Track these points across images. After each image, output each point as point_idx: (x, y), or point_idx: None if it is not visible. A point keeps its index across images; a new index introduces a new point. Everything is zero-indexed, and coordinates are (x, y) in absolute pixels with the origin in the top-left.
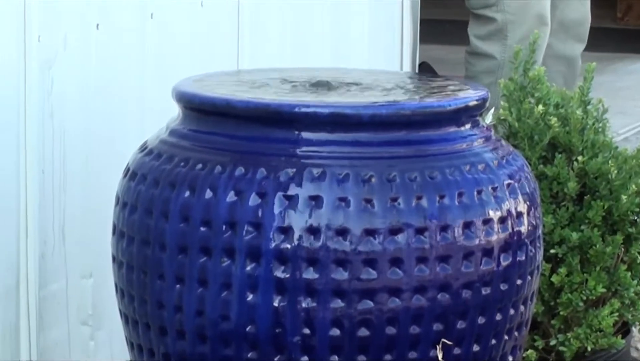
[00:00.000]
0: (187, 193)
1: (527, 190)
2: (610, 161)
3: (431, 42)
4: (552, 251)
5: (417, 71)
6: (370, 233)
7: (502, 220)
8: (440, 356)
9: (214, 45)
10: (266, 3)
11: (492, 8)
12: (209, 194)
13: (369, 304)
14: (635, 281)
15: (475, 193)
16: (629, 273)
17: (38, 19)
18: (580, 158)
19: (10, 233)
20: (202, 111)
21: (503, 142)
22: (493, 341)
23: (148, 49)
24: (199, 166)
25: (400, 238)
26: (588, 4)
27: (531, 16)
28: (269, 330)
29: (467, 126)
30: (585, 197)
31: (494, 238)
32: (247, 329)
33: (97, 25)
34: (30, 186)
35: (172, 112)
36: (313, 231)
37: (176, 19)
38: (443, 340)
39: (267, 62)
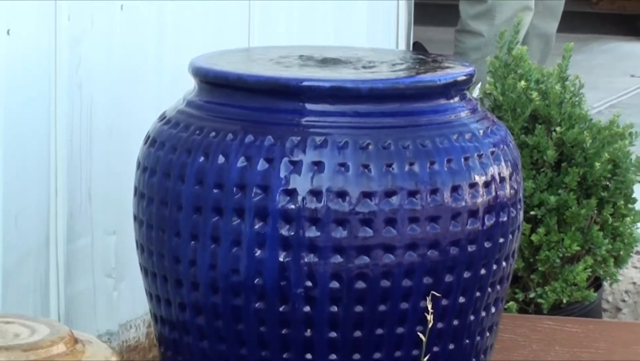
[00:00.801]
0: (202, 159)
1: (510, 157)
2: (585, 132)
3: (423, 24)
4: (532, 212)
5: (411, 49)
6: (367, 195)
7: (487, 184)
8: (429, 306)
9: (227, 24)
10: None
11: None
12: (221, 159)
13: (366, 259)
14: (606, 240)
15: (462, 160)
16: (601, 233)
17: (67, 1)
18: (558, 129)
19: (41, 194)
20: (215, 84)
21: (488, 114)
22: (477, 294)
23: (166, 28)
24: (213, 134)
25: (394, 200)
26: None
27: (518, 1)
28: (275, 282)
29: (456, 99)
30: (562, 164)
31: (479, 200)
32: (255, 281)
33: (122, 6)
34: (60, 151)
35: (187, 85)
36: (315, 193)
37: (192, 0)
38: (432, 292)
39: (275, 40)
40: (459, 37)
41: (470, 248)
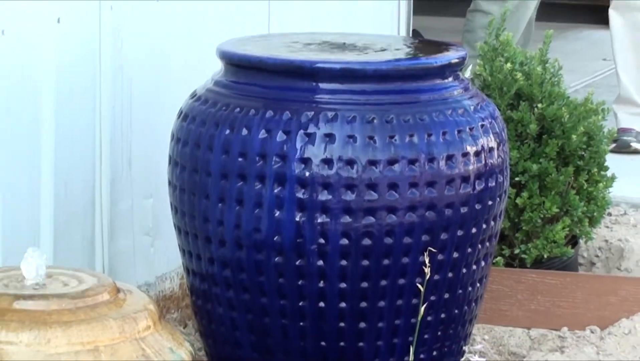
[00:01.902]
0: (228, 131)
1: (497, 130)
2: (563, 108)
3: (421, 13)
4: (516, 178)
5: (410, 35)
6: (372, 163)
7: (477, 154)
8: (427, 261)
9: (248, 15)
10: None
11: None
12: (245, 132)
13: (371, 220)
14: (582, 203)
15: (456, 132)
16: (577, 197)
17: None
18: (539, 105)
19: (87, 163)
20: (240, 66)
21: (478, 92)
22: (469, 250)
23: (194, 17)
24: (237, 109)
25: (396, 167)
26: None
27: None
28: (292, 239)
29: (450, 79)
30: (543, 136)
31: (471, 167)
32: (275, 239)
33: None
34: (104, 125)
35: (213, 67)
36: (327, 161)
37: None
38: (430, 248)
39: (291, 28)
40: (470, 17)
41: (463, 210)
